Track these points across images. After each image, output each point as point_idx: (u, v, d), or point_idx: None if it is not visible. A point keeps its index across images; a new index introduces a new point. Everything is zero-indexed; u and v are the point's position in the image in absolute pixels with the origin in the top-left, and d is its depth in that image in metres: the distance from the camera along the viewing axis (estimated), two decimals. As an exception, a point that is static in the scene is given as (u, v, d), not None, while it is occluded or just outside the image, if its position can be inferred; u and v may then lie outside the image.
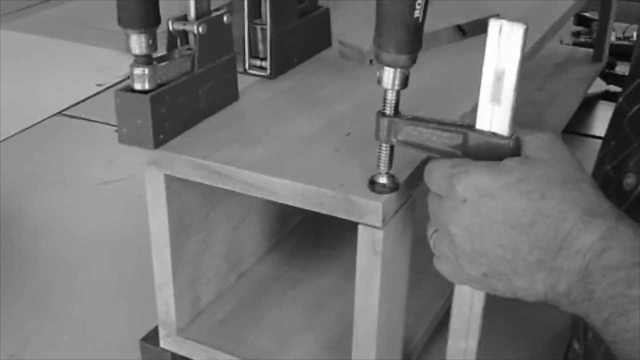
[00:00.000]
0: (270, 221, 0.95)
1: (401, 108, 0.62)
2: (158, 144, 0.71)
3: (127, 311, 1.01)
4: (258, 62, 0.86)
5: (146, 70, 0.69)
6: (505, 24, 0.55)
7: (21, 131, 1.45)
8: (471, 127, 0.59)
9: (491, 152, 0.58)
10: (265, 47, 0.85)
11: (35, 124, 1.48)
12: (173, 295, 0.80)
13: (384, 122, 0.62)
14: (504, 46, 0.55)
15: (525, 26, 0.54)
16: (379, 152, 0.64)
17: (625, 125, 0.72)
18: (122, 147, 0.73)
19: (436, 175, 0.58)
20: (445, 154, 0.60)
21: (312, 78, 0.87)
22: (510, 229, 0.55)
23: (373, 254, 0.66)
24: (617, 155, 0.73)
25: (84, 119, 1.50)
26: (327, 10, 0.93)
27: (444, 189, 0.57)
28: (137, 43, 0.67)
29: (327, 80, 0.87)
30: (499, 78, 0.56)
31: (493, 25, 0.55)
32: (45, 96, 1.59)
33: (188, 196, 0.78)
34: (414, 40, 0.59)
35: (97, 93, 1.60)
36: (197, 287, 0.84)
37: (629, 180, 0.69)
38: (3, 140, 1.41)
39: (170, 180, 0.74)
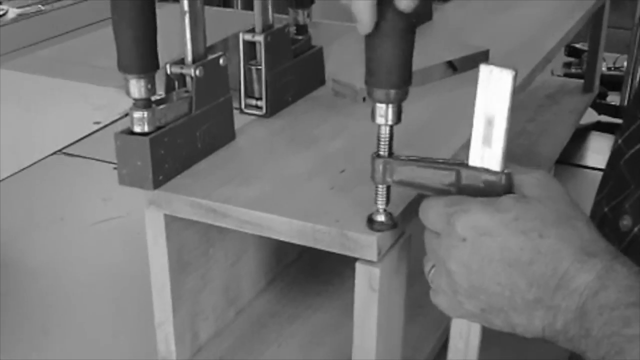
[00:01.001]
0: (267, 257, 0.96)
1: (395, 143, 0.63)
2: (157, 184, 0.73)
3: (127, 349, 1.01)
4: (254, 102, 0.88)
5: (145, 114, 0.70)
6: (495, 69, 0.56)
7: (20, 171, 1.46)
8: (464, 164, 0.60)
9: (484, 188, 0.59)
10: (260, 87, 0.86)
11: (34, 163, 1.48)
12: (173, 332, 0.81)
13: (379, 163, 0.63)
14: (493, 91, 0.56)
15: (514, 72, 0.56)
16: (376, 191, 0.65)
17: (622, 167, 0.73)
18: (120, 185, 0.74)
19: (432, 213, 0.59)
20: (440, 192, 0.61)
21: (307, 116, 0.89)
22: (508, 267, 0.56)
23: (370, 291, 0.67)
24: (614, 197, 0.73)
25: (82, 157, 1.51)
26: (321, 50, 0.95)
27: (441, 226, 0.58)
28: (137, 87, 0.69)
29: (322, 118, 0.88)
30: (489, 122, 0.57)
31: (483, 70, 0.56)
32: (43, 135, 1.60)
33: (187, 234, 0.79)
34: (403, 75, 0.60)
35: (95, 131, 1.61)
36: (196, 323, 0.84)
37: (625, 222, 0.70)
38: (2, 180, 1.42)
39: (169, 220, 0.75)
